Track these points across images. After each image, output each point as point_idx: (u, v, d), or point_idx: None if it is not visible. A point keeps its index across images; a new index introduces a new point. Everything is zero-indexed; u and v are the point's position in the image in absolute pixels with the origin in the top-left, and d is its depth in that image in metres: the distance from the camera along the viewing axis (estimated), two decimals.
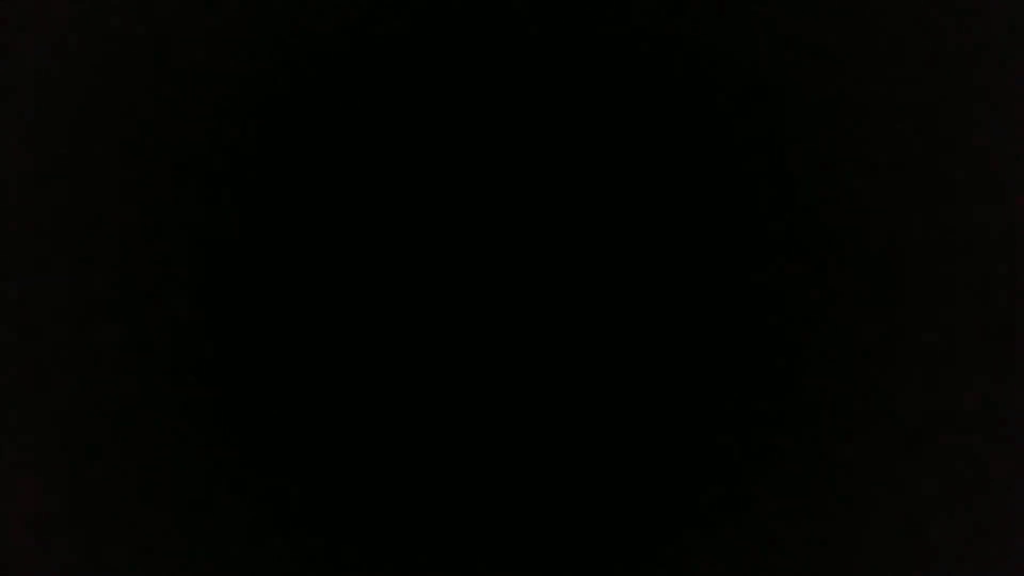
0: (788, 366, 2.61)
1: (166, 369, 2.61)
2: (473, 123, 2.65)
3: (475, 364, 2.62)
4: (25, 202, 2.61)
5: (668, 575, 2.58)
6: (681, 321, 2.62)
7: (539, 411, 2.61)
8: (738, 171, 2.63)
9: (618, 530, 2.60)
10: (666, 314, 2.62)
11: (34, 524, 2.58)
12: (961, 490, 2.59)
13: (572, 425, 2.61)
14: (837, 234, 2.62)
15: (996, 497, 2.59)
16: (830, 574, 2.58)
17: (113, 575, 2.58)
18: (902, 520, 2.59)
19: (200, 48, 2.63)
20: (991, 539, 2.59)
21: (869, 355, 2.61)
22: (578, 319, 2.62)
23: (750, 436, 2.60)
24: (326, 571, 2.59)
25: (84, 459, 2.60)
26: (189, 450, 2.60)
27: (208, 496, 2.59)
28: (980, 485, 2.59)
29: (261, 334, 2.62)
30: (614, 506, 2.60)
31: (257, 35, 2.63)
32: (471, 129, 2.65)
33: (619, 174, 2.64)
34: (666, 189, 2.63)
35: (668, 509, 2.59)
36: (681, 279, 2.62)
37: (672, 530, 2.59)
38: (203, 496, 2.59)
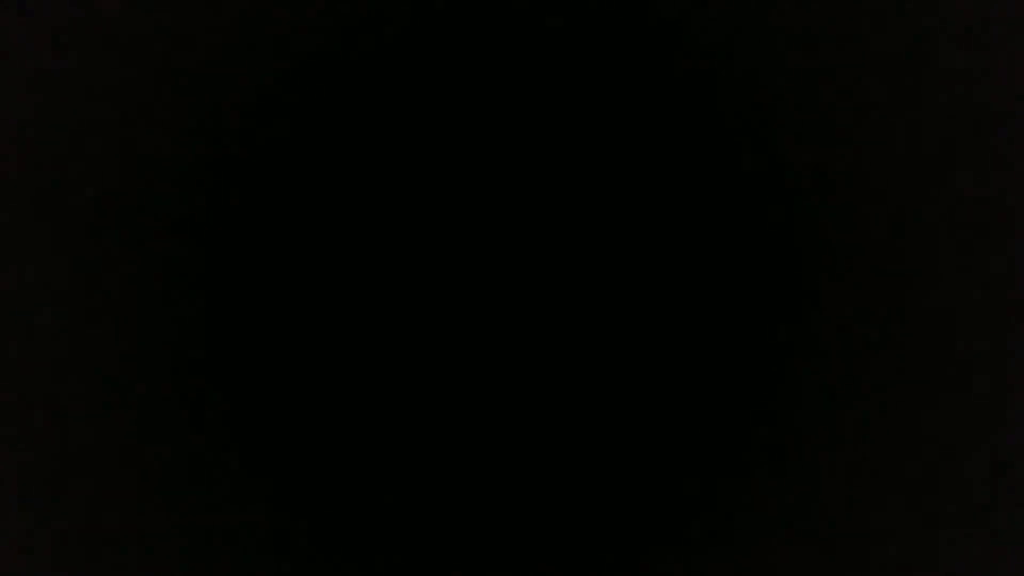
0: (787, 366, 2.61)
1: (165, 370, 2.61)
2: (472, 122, 2.65)
3: (476, 364, 2.62)
4: (25, 202, 2.62)
5: (667, 575, 2.58)
6: (680, 320, 2.62)
7: (539, 411, 2.62)
8: (737, 170, 2.64)
9: (617, 530, 2.60)
10: (665, 313, 2.63)
11: (30, 526, 2.59)
12: (961, 489, 2.59)
13: (572, 425, 2.61)
14: (837, 233, 2.63)
15: (997, 497, 2.59)
16: (830, 574, 2.59)
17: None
18: (902, 520, 2.59)
19: (200, 48, 2.64)
20: (991, 539, 2.59)
21: (868, 354, 2.61)
22: (578, 318, 2.63)
23: (749, 436, 2.60)
24: (325, 572, 2.59)
25: (82, 460, 2.60)
26: (188, 451, 2.60)
27: (207, 497, 2.59)
28: (980, 484, 2.59)
29: (260, 335, 2.62)
30: (613, 506, 2.60)
31: (256, 34, 2.64)
32: (470, 129, 2.65)
33: (618, 173, 2.65)
34: (665, 189, 2.64)
35: (667, 509, 2.60)
36: (680, 279, 2.63)
37: (671, 530, 2.59)
38: (202, 497, 2.59)
